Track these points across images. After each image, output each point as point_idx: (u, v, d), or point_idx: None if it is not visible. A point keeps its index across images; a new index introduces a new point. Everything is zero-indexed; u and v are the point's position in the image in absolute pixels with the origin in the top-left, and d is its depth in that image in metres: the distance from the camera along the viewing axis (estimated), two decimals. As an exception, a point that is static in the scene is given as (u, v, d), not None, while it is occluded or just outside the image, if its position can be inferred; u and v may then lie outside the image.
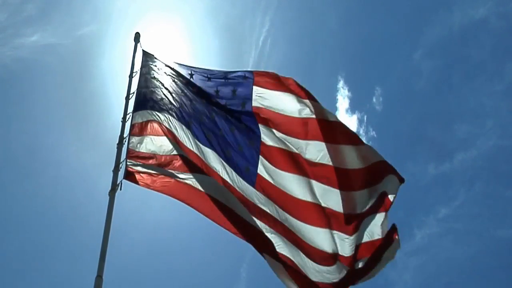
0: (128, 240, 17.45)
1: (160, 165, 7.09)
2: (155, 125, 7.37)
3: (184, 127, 7.34)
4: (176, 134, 7.27)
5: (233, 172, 7.02)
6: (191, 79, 7.74)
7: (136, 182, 6.97)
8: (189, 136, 7.27)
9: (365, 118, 22.47)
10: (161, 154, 7.18)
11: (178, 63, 8.04)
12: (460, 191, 21.32)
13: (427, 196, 22.39)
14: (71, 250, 17.89)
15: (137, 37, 8.39)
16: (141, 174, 7.00)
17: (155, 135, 7.30)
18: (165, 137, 7.27)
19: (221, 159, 7.10)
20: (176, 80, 7.80)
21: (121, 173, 6.86)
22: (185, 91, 7.66)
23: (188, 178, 7.04)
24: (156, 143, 7.25)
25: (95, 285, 5.90)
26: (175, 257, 19.61)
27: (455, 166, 21.69)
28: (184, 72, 7.86)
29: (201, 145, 7.21)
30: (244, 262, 19.33)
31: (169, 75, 7.88)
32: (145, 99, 7.58)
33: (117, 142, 7.22)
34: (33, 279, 17.91)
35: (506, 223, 20.49)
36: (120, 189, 6.70)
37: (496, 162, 21.45)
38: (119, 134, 7.30)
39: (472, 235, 20.79)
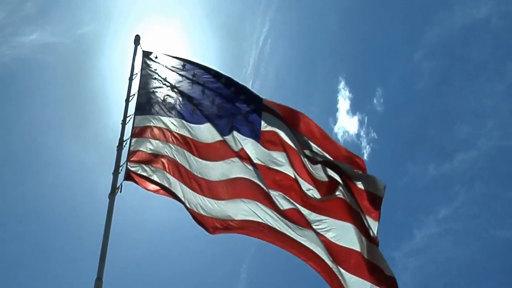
0: (128, 242, 17.46)
1: (161, 169, 7.11)
2: (156, 129, 7.38)
3: (186, 127, 7.38)
4: (178, 137, 7.30)
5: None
6: (194, 78, 7.80)
7: (136, 183, 6.99)
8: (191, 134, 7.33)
9: (366, 119, 22.49)
10: (162, 157, 7.19)
11: (183, 59, 8.07)
12: (460, 191, 21.33)
13: (427, 196, 22.42)
14: (71, 252, 17.88)
15: (137, 39, 8.39)
16: (141, 177, 7.01)
17: (156, 139, 7.30)
18: (166, 141, 7.29)
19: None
20: (178, 78, 7.83)
21: (121, 176, 6.89)
22: (188, 87, 7.71)
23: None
24: (157, 147, 7.27)
25: (95, 287, 5.91)
26: (175, 259, 19.63)
27: (455, 166, 21.71)
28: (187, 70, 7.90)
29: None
30: (244, 263, 19.39)
31: (171, 73, 7.90)
32: (146, 102, 7.61)
33: (117, 144, 7.22)
34: (33, 280, 17.91)
35: (506, 224, 20.51)
36: (120, 192, 6.72)
37: (496, 162, 21.47)
38: (119, 136, 7.30)
39: (472, 236, 20.82)
